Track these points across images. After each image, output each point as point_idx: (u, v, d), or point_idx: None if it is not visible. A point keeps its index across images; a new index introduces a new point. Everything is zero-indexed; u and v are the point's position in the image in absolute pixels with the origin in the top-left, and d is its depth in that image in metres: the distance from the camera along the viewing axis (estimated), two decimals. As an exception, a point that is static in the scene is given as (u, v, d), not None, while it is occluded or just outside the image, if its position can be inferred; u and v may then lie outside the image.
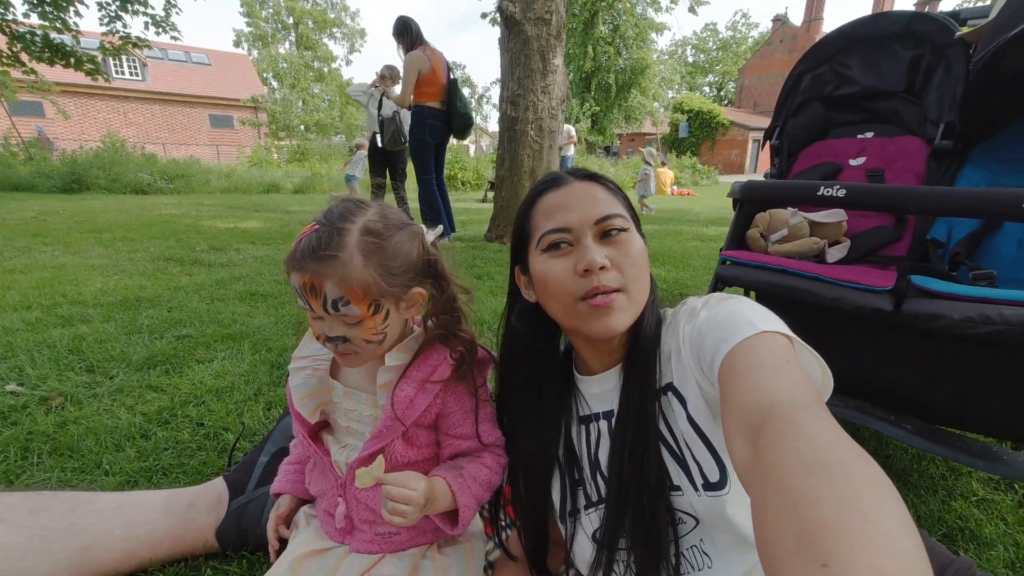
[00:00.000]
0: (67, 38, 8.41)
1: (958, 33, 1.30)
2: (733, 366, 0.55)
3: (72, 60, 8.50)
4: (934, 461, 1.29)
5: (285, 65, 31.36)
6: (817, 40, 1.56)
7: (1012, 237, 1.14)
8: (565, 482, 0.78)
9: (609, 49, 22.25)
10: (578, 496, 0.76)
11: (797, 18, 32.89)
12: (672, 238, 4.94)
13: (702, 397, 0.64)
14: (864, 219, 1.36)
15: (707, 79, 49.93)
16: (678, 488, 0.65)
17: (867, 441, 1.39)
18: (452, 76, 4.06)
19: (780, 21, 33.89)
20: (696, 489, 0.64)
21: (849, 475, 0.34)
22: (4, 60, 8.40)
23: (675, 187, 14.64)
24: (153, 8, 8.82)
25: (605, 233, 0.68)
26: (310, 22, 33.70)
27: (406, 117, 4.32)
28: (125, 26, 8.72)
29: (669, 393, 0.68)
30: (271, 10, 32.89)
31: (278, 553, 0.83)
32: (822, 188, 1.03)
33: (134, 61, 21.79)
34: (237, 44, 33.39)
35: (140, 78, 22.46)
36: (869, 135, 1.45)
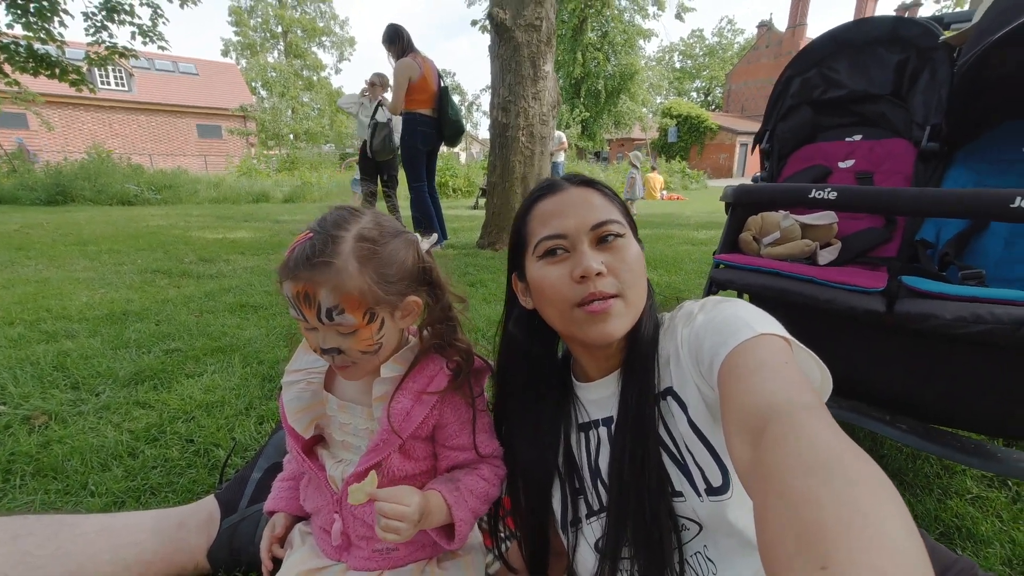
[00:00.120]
0: (52, 48, 8.32)
1: (942, 37, 1.32)
2: (732, 369, 0.54)
3: (57, 70, 8.41)
4: (928, 460, 1.29)
5: (274, 74, 31.30)
6: (804, 45, 1.58)
7: (999, 237, 1.15)
8: (565, 491, 0.77)
9: (598, 55, 22.48)
10: (579, 505, 0.75)
11: (781, 24, 33.49)
12: (663, 242, 4.96)
13: (702, 400, 0.63)
14: (854, 221, 1.37)
15: (695, 84, 50.59)
16: (680, 494, 0.65)
17: (862, 441, 1.39)
18: (443, 83, 4.07)
19: (765, 27, 34.49)
20: (699, 494, 0.63)
21: (849, 476, 0.34)
22: (-13, 71, 8.30)
23: (665, 192, 14.76)
24: (140, 18, 8.76)
25: (601, 239, 0.67)
26: (299, 31, 33.71)
27: (397, 125, 4.32)
28: (111, 36, 8.66)
29: (668, 397, 0.67)
30: (260, 19, 32.86)
31: (272, 573, 0.81)
32: (814, 191, 1.04)
33: (120, 71, 21.61)
34: (225, 53, 33.32)
35: (126, 88, 22.28)
36: (857, 138, 1.46)
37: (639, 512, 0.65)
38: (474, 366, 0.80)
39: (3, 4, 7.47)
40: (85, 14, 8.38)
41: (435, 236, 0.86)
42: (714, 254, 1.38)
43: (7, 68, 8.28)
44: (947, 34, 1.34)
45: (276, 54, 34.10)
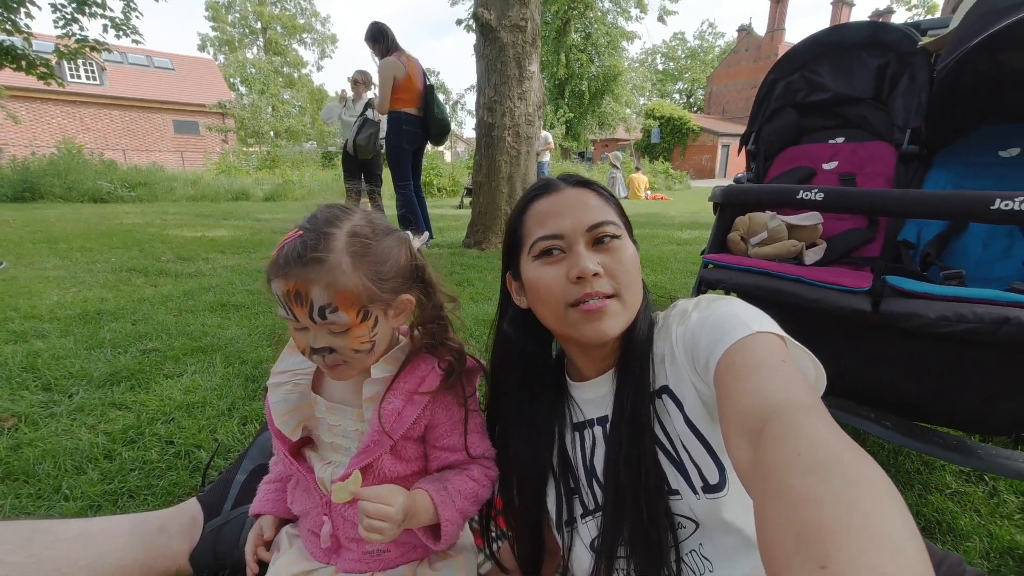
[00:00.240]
0: (18, 40, 7.99)
1: (920, 43, 1.35)
2: (729, 367, 0.55)
3: (24, 63, 8.08)
4: (909, 456, 1.33)
5: (253, 70, 30.68)
6: (782, 49, 1.61)
7: (977, 238, 1.19)
8: (560, 491, 0.77)
9: (582, 56, 22.61)
10: (574, 505, 0.75)
11: (761, 28, 34.12)
12: (648, 242, 5.01)
13: (699, 398, 0.64)
14: (838, 222, 1.40)
15: (677, 86, 51.26)
16: (676, 492, 0.65)
17: (845, 438, 1.42)
18: (428, 82, 4.04)
19: (745, 31, 35.14)
20: (695, 492, 0.63)
21: (849, 475, 0.34)
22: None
23: (649, 191, 14.91)
24: (112, 10, 8.47)
25: (598, 240, 0.67)
26: (279, 27, 33.10)
27: (382, 124, 4.27)
28: (82, 28, 8.36)
29: (664, 396, 0.67)
30: (238, 14, 32.17)
31: (258, 577, 0.79)
32: (801, 192, 1.05)
33: (91, 65, 20.89)
34: (202, 48, 32.52)
35: (98, 82, 21.54)
36: (840, 140, 1.50)
37: (635, 511, 0.65)
38: (466, 366, 0.79)
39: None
40: (53, 5, 8.06)
41: (426, 235, 0.86)
42: (702, 254, 1.39)
43: (-30, 60, 7.94)
44: (925, 40, 1.38)
45: (255, 50, 33.43)
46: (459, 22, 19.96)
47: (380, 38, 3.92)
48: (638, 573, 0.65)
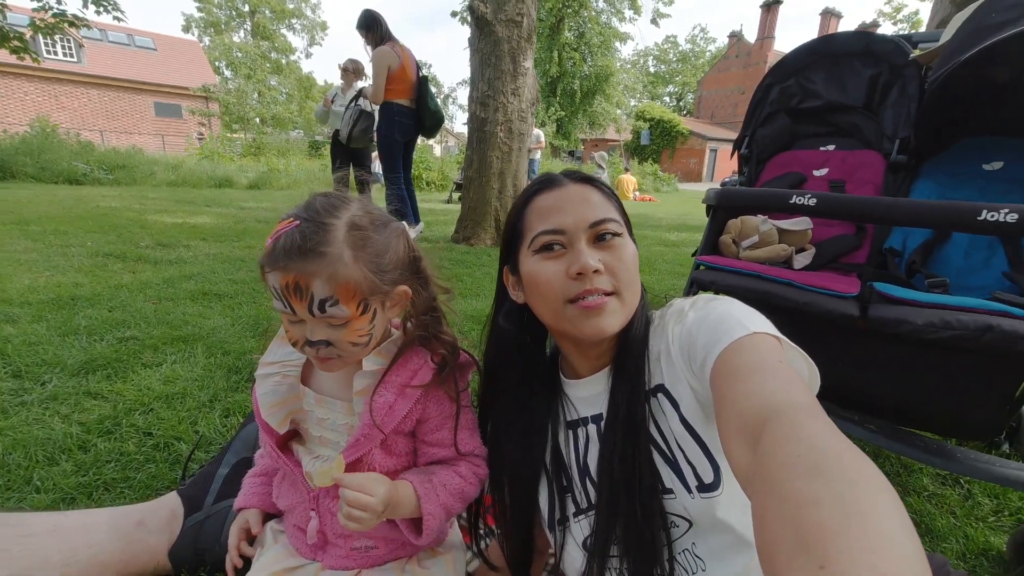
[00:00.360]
0: (-9, 12, 7.67)
1: (912, 55, 1.38)
2: (726, 368, 0.55)
3: (-5, 36, 7.77)
4: (888, 459, 1.36)
5: (240, 55, 29.95)
6: (771, 57, 1.64)
7: (959, 248, 1.22)
8: (553, 489, 0.76)
9: (574, 55, 22.62)
10: (567, 504, 0.75)
11: (751, 35, 34.60)
12: (637, 243, 5.04)
13: (694, 398, 0.64)
14: (827, 228, 1.42)
15: (667, 89, 51.70)
16: (670, 491, 0.65)
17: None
18: (421, 73, 3.99)
19: (736, 37, 35.58)
20: (689, 491, 0.63)
21: (848, 477, 0.34)
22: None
23: (637, 193, 15.02)
24: (92, -16, 8.19)
25: (599, 237, 0.67)
26: (267, 11, 32.37)
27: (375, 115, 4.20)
28: (60, 2, 8.05)
29: (659, 395, 0.67)
30: (225, -5, 31.39)
31: (240, 573, 0.77)
32: (794, 196, 1.07)
33: (69, 41, 20.13)
34: (186, 29, 31.65)
35: (75, 59, 20.79)
36: (831, 147, 1.52)
37: (629, 510, 0.65)
38: (459, 360, 0.78)
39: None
40: (30, -23, 7.77)
41: (420, 226, 0.84)
42: (694, 255, 1.40)
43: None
44: (916, 52, 1.41)
45: (242, 34, 32.66)
46: (454, 14, 19.79)
47: (373, 26, 3.85)
48: (631, 572, 0.65)
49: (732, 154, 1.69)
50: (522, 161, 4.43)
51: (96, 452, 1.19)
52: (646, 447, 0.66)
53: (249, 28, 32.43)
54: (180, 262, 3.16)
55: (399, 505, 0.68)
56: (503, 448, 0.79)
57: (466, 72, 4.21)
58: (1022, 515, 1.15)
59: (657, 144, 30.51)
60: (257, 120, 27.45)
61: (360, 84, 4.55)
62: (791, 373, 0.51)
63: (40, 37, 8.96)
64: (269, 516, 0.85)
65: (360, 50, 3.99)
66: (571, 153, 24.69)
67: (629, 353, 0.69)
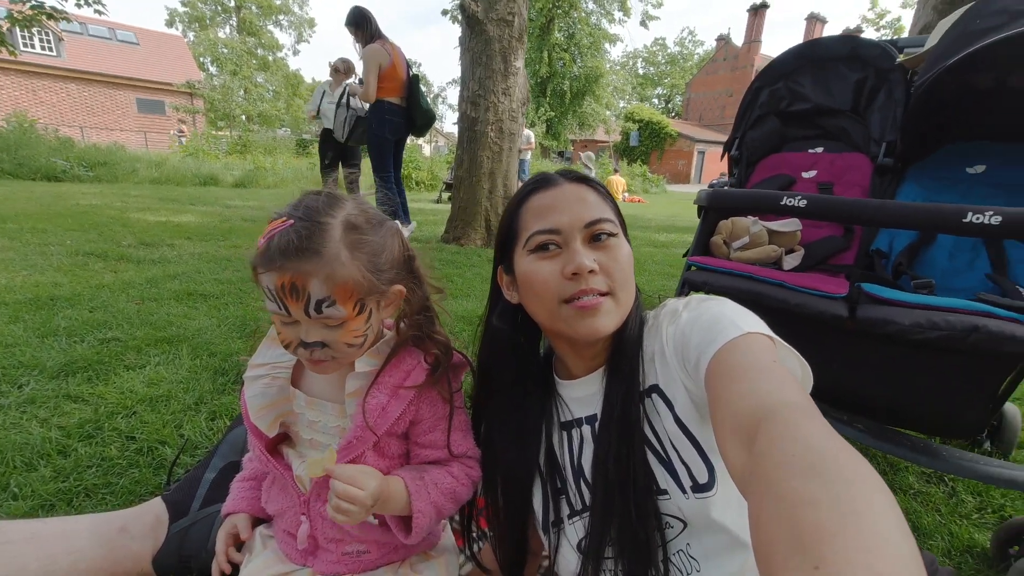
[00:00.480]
0: (-34, 3, 7.45)
1: (898, 59, 1.40)
2: (721, 368, 0.55)
3: (-29, 28, 7.55)
4: (875, 458, 1.38)
5: (226, 50, 29.47)
6: (758, 60, 1.65)
7: (944, 250, 1.24)
8: (547, 491, 0.76)
9: (564, 56, 22.69)
10: (561, 505, 0.74)
11: (739, 38, 35.06)
12: (626, 243, 5.07)
13: (689, 398, 0.64)
14: (816, 229, 1.44)
15: (656, 91, 52.12)
16: (665, 492, 0.65)
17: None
18: (411, 72, 3.96)
19: (724, 40, 36.01)
20: (684, 492, 0.63)
21: (844, 476, 0.34)
22: None
23: (626, 194, 15.11)
24: (73, -23, 8.00)
25: (594, 237, 0.67)
26: (254, 7, 31.91)
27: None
28: (39, -6, 7.85)
29: (654, 395, 0.67)
30: (210, -10, 30.87)
31: (226, 578, 0.75)
32: (785, 198, 1.08)
33: (47, 34, 19.62)
34: (170, 24, 31.08)
35: (54, 53, 20.26)
36: (819, 150, 1.54)
37: (624, 511, 0.65)
38: (452, 360, 0.78)
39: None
40: (8, -33, 7.56)
41: (413, 226, 0.83)
42: (685, 255, 1.41)
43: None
44: (901, 57, 1.43)
45: (228, 30, 32.15)
46: (445, 12, 19.68)
47: (363, 24, 3.81)
48: (625, 574, 0.65)
49: (722, 156, 1.70)
50: (512, 161, 4.42)
51: (76, 457, 1.16)
52: (640, 448, 0.66)
53: (235, 24, 31.94)
54: (164, 261, 3.10)
55: (389, 501, 0.67)
56: (497, 448, 0.79)
57: (456, 71, 4.19)
58: (1004, 512, 1.18)
59: (646, 145, 30.75)
60: (243, 117, 27.05)
61: (348, 82, 4.50)
62: (785, 373, 0.52)
63: (17, 29, 8.72)
64: (258, 521, 0.84)
65: (349, 48, 3.95)
66: (560, 154, 24.77)
67: (623, 353, 0.69)
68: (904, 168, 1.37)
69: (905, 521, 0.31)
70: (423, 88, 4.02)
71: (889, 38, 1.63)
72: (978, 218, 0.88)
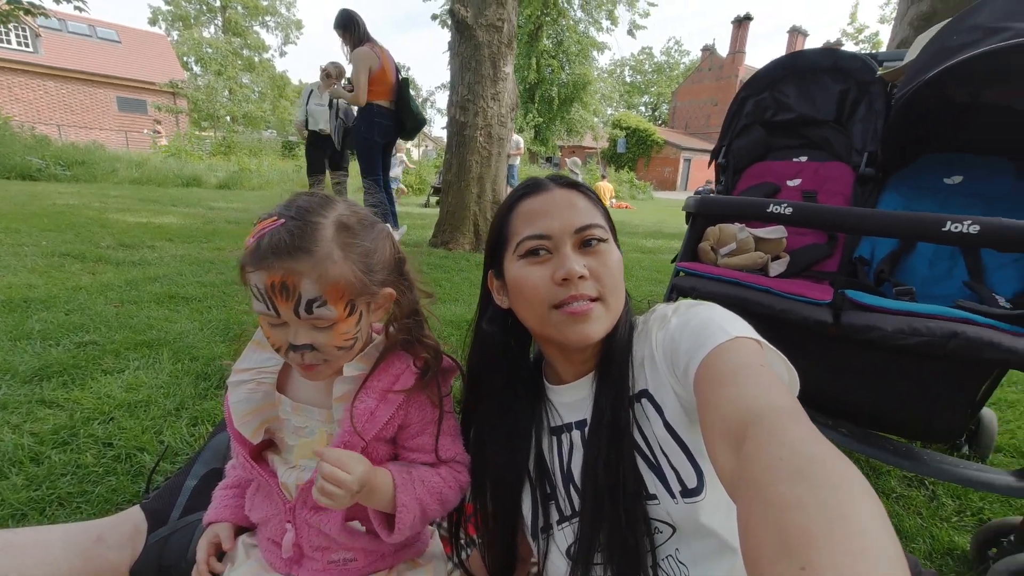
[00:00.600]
0: (-61, -4, 7.24)
1: (878, 72, 1.44)
2: (710, 372, 0.55)
3: (-55, 21, 7.33)
4: (858, 461, 1.40)
5: (210, 50, 29.07)
6: (742, 71, 1.69)
7: (924, 258, 1.28)
8: (536, 497, 0.75)
9: (553, 63, 22.87)
10: (550, 511, 0.74)
11: (723, 49, 35.72)
12: (613, 249, 5.11)
13: (678, 403, 0.64)
14: (800, 236, 1.47)
15: (643, 99, 52.82)
16: (654, 497, 0.65)
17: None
18: (400, 75, 3.96)
19: (709, 51, 36.68)
20: (673, 497, 0.63)
21: (831, 481, 0.34)
22: None
23: (614, 200, 15.24)
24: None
25: (585, 242, 0.67)
26: (240, 7, 31.56)
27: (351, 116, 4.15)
28: (15, -11, 7.66)
29: (643, 400, 0.67)
30: (194, -12, 30.44)
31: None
32: (771, 205, 1.10)
33: (24, 30, 19.13)
34: (153, 22, 30.56)
35: (31, 49, 19.75)
36: (803, 159, 1.57)
37: (613, 516, 0.65)
38: (442, 365, 0.77)
39: None
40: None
41: (403, 229, 0.83)
42: (673, 261, 1.42)
43: None
44: (881, 70, 1.47)
45: (213, 29, 31.73)
46: (434, 17, 19.74)
47: (351, 27, 3.79)
48: (614, 579, 0.65)
49: (710, 163, 1.73)
50: (501, 166, 4.43)
51: (50, 464, 1.12)
52: (630, 453, 0.66)
53: (220, 24, 31.54)
54: (144, 263, 3.03)
55: (375, 491, 0.66)
56: (486, 453, 0.78)
57: (445, 76, 4.19)
58: (983, 515, 1.20)
59: (633, 152, 31.10)
60: (228, 118, 26.67)
61: (335, 86, 4.48)
62: (773, 377, 0.52)
63: (-7, 25, 8.49)
64: (241, 530, 0.82)
65: (337, 51, 3.94)
66: (548, 159, 24.92)
67: (613, 359, 0.69)
68: (885, 178, 1.41)
69: (891, 524, 0.32)
70: (412, 92, 4.02)
71: (868, 51, 1.68)
72: (956, 227, 0.90)
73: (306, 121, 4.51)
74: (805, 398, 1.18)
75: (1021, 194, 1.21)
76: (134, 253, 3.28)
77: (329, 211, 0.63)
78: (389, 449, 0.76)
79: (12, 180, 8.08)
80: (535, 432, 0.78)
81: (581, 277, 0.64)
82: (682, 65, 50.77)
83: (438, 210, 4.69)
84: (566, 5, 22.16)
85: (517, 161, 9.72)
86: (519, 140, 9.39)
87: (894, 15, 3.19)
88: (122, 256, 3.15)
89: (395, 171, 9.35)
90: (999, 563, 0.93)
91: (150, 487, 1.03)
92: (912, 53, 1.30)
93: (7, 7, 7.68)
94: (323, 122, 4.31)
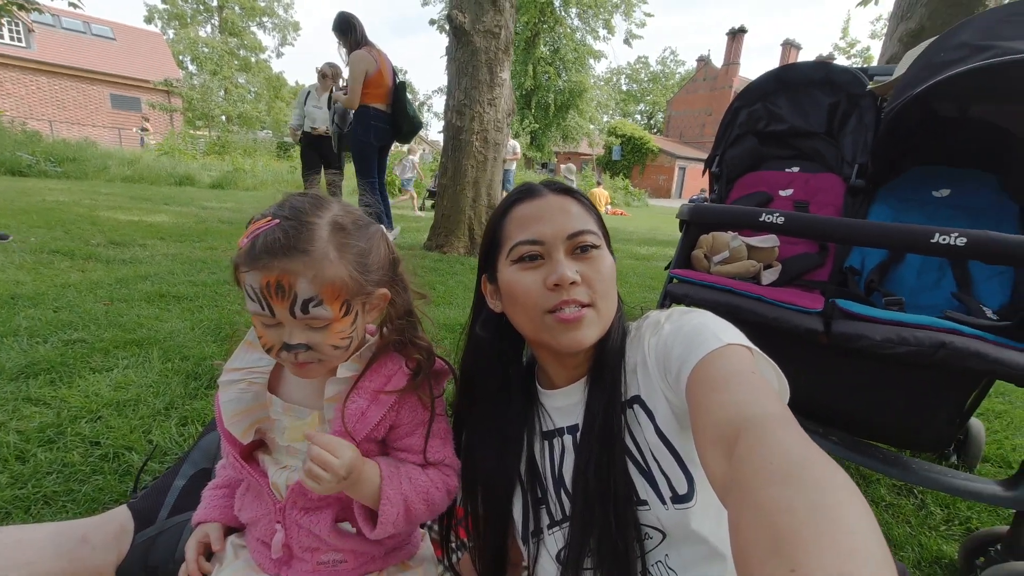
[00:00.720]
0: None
1: (868, 86, 1.47)
2: (701, 379, 0.56)
3: (-64, 14, 7.24)
4: (848, 470, 1.41)
5: (206, 49, 28.96)
6: (736, 82, 1.71)
7: (912, 268, 1.30)
8: (527, 501, 0.75)
9: (549, 70, 23.02)
10: (541, 515, 0.74)
11: (718, 60, 36.16)
12: (607, 255, 5.13)
13: (670, 409, 0.65)
14: (792, 246, 1.49)
15: (639, 107, 53.29)
16: (644, 503, 0.65)
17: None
18: (397, 79, 3.97)
19: (704, 62, 37.13)
20: (664, 502, 0.64)
21: (820, 485, 0.35)
22: None
23: (609, 206, 15.32)
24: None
25: (577, 248, 0.67)
26: (237, 7, 31.49)
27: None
28: (10, -17, 7.58)
29: (635, 406, 0.68)
30: (191, -13, 30.33)
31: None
32: (764, 215, 1.11)
33: (17, 25, 18.94)
34: (149, 20, 30.40)
35: (24, 44, 19.56)
36: (795, 170, 1.59)
37: (604, 521, 0.65)
38: (434, 367, 0.77)
39: None
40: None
41: (397, 231, 0.83)
42: (667, 268, 1.44)
43: None
44: (872, 84, 1.50)
45: (210, 29, 31.63)
46: (432, 22, 19.83)
47: (348, 30, 3.80)
48: (604, 584, 0.65)
49: (704, 172, 1.75)
50: (497, 171, 4.45)
51: (36, 463, 1.10)
52: (621, 458, 0.66)
53: (217, 23, 31.44)
54: (135, 262, 3.00)
55: (361, 481, 0.66)
56: (477, 457, 0.78)
57: (442, 80, 4.21)
58: (971, 524, 1.22)
59: (628, 160, 31.31)
60: (223, 118, 26.53)
61: (333, 88, 4.48)
62: (764, 383, 0.53)
63: (-14, 19, 8.39)
64: (230, 531, 0.81)
65: (334, 53, 3.94)
66: (544, 165, 25.02)
67: (605, 364, 0.70)
68: (875, 189, 1.43)
69: (879, 528, 0.32)
70: (409, 96, 4.03)
71: (860, 66, 1.71)
72: (944, 239, 0.92)
73: (301, 123, 4.50)
74: (796, 406, 1.19)
75: (1004, 207, 1.23)
76: (125, 251, 3.24)
77: (324, 211, 0.64)
78: (379, 450, 0.76)
79: (1, 176, 7.98)
80: (527, 436, 0.78)
81: (573, 283, 0.64)
82: (677, 75, 51.33)
83: (433, 213, 4.69)
84: (563, 13, 22.36)
85: (513, 166, 9.76)
86: (515, 145, 9.43)
87: (884, 31, 3.25)
88: (112, 254, 3.12)
89: (408, 174, 9.35)
90: (986, 572, 0.94)
91: (138, 487, 1.02)
92: (901, 68, 1.33)
93: (0, 1, 7.60)
94: (320, 123, 4.30)
